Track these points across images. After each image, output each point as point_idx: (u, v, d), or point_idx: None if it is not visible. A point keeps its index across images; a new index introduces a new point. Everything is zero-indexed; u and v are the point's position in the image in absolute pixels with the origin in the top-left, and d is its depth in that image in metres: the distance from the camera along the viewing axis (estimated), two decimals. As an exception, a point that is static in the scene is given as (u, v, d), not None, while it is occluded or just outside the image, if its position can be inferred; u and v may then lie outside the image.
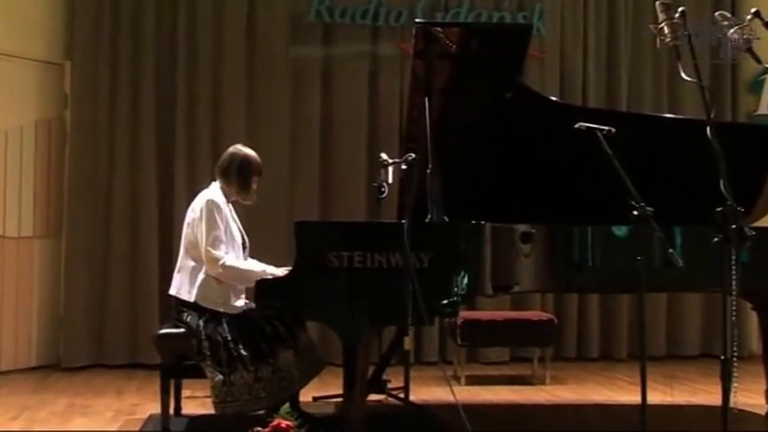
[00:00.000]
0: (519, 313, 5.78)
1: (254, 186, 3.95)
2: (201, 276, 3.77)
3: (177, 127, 6.07)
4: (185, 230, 3.88)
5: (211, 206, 3.76)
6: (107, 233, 5.99)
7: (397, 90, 6.25)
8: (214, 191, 3.87)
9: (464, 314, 5.37)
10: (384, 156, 4.08)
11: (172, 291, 3.88)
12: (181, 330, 3.76)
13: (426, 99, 3.82)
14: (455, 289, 3.49)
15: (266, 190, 5.18)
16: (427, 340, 6.19)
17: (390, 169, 4.00)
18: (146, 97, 6.04)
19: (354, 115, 6.28)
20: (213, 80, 6.15)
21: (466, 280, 3.52)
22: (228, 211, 3.87)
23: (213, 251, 3.71)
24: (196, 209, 3.83)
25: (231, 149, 3.99)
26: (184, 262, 3.86)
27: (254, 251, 4.05)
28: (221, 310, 3.76)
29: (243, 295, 3.88)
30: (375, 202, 4.33)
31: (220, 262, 3.70)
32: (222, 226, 3.76)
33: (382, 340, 4.57)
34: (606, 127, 3.24)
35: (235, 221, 3.93)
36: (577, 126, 3.27)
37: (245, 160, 3.92)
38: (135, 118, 6.04)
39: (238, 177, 3.90)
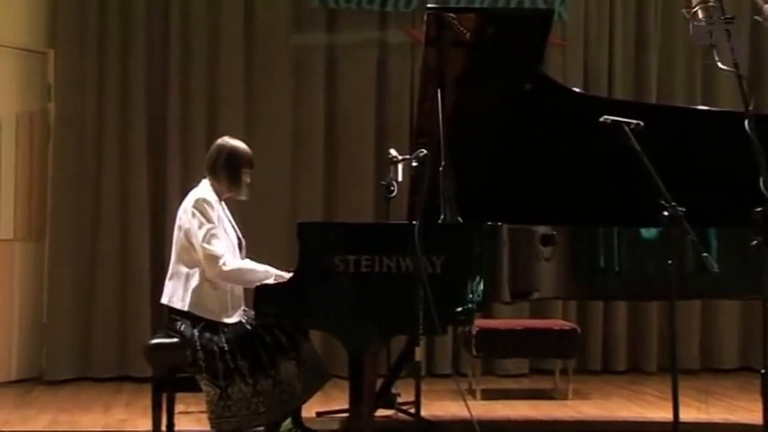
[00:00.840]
0: (539, 322, 5.79)
1: (246, 179, 3.95)
2: (194, 282, 3.77)
3: (170, 120, 6.07)
4: (176, 234, 3.87)
5: (201, 203, 3.77)
6: (94, 236, 6.00)
7: (407, 81, 6.26)
8: (203, 189, 3.88)
9: (480, 323, 5.37)
10: (393, 152, 4.09)
11: (164, 300, 3.88)
12: (174, 340, 3.76)
13: (438, 90, 3.84)
14: (470, 296, 3.50)
15: (267, 189, 5.22)
16: (440, 351, 6.19)
17: (399, 166, 4.01)
18: (137, 88, 6.04)
19: (361, 108, 6.29)
20: (208, 71, 6.15)
21: (481, 286, 3.52)
22: (221, 209, 3.88)
23: (209, 247, 3.69)
24: (186, 209, 3.84)
25: (218, 141, 4.01)
26: (176, 268, 3.86)
27: (254, 254, 4.05)
28: (216, 320, 3.76)
29: (242, 305, 3.88)
30: (383, 201, 4.34)
31: (221, 261, 3.68)
32: (215, 223, 3.77)
33: (391, 350, 4.58)
34: (634, 121, 3.24)
35: (229, 220, 3.95)
36: (602, 120, 3.27)
37: (233, 152, 3.93)
38: (125, 110, 6.04)
39: (226, 171, 3.90)
